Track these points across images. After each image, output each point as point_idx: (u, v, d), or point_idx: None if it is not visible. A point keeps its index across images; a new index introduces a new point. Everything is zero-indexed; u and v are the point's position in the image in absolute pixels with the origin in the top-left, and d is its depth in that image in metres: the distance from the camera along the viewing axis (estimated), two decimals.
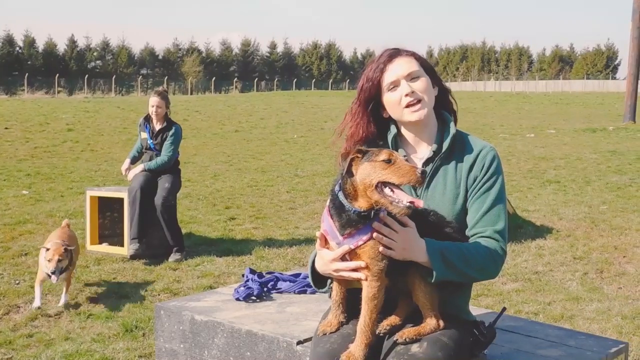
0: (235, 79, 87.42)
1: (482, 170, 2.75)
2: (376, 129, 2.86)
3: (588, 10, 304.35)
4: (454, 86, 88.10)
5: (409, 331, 2.58)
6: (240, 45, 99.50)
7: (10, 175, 14.42)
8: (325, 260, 2.58)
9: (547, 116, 35.30)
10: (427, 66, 2.83)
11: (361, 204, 2.45)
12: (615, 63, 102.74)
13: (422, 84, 2.75)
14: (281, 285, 3.95)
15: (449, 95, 2.91)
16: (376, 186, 2.40)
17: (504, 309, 2.99)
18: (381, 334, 2.63)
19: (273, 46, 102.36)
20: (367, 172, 2.41)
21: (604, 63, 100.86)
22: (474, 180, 2.75)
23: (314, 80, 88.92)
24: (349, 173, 2.45)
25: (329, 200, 2.55)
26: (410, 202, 2.37)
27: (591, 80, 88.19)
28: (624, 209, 10.39)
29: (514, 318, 3.65)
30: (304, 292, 3.90)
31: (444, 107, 2.90)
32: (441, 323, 2.62)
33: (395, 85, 2.75)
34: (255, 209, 10.97)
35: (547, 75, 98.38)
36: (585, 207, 10.61)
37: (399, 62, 2.76)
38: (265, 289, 3.86)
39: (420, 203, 2.40)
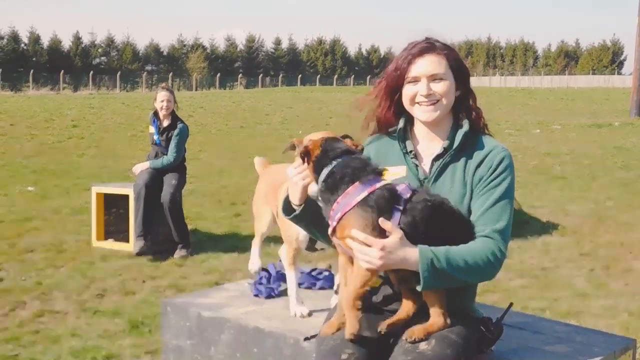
0: (240, 75, 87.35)
1: (489, 170, 2.70)
2: (395, 114, 2.88)
3: (594, 6, 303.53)
4: None
5: (418, 330, 2.55)
6: (245, 41, 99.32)
7: (16, 172, 14.45)
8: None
9: (552, 112, 35.21)
10: (458, 68, 2.78)
11: None
12: (621, 58, 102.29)
13: (443, 87, 2.72)
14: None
15: (470, 99, 2.85)
16: None
17: (511, 304, 2.98)
18: (382, 333, 2.61)
19: (278, 42, 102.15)
20: None
21: (609, 58, 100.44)
22: (480, 180, 2.71)
23: (318, 76, 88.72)
24: None
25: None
26: None
27: (597, 76, 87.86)
28: (630, 205, 10.36)
29: (520, 314, 3.64)
30: (312, 286, 3.90)
31: (462, 107, 2.83)
32: (448, 320, 2.60)
33: (416, 80, 2.73)
34: None
35: (552, 71, 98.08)
36: (592, 203, 10.58)
37: (428, 59, 2.72)
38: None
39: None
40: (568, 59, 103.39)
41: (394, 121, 2.87)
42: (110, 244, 8.12)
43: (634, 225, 9.02)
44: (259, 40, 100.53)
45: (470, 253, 2.57)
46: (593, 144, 19.27)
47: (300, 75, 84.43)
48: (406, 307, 2.68)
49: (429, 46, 2.76)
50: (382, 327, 2.61)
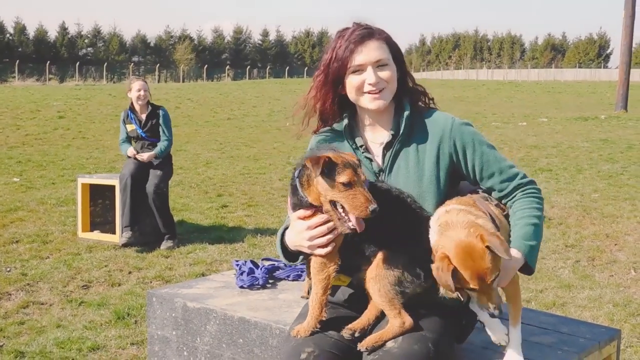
0: (228, 66, 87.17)
1: (461, 147, 2.68)
2: (338, 106, 2.80)
3: None
4: (446, 74, 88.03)
5: (369, 339, 2.45)
6: (233, 32, 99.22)
7: (1, 163, 14.35)
8: (299, 229, 2.52)
9: (539, 105, 35.33)
10: (396, 51, 2.74)
11: (312, 198, 2.46)
12: (608, 52, 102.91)
13: (388, 73, 2.67)
14: (278, 273, 3.93)
15: (408, 81, 2.80)
16: (329, 200, 2.40)
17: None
18: (346, 337, 2.53)
19: (265, 34, 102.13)
20: (325, 187, 2.39)
21: (596, 52, 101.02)
22: (458, 159, 2.68)
23: (306, 68, 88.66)
24: (318, 173, 2.39)
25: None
26: (354, 228, 2.38)
27: (583, 69, 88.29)
28: (615, 197, 10.42)
29: (505, 305, 3.64)
30: (299, 277, 3.88)
31: (402, 90, 2.78)
32: (407, 321, 2.47)
33: (361, 69, 2.66)
34: (247, 196, 10.95)
35: (539, 64, 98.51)
36: (577, 195, 10.63)
37: (370, 46, 2.65)
38: (269, 279, 3.85)
39: (362, 228, 2.38)
40: (555, 52, 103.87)
41: (338, 113, 2.81)
42: (96, 235, 8.08)
43: (619, 217, 9.07)
44: (246, 32, 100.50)
45: (531, 210, 2.62)
46: (579, 137, 19.36)
47: (287, 67, 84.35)
48: (369, 311, 2.59)
49: (368, 32, 2.68)
50: (345, 332, 2.53)
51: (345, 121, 2.79)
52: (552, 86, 57.13)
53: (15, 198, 10.41)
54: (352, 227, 2.37)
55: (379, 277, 2.47)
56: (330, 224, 2.46)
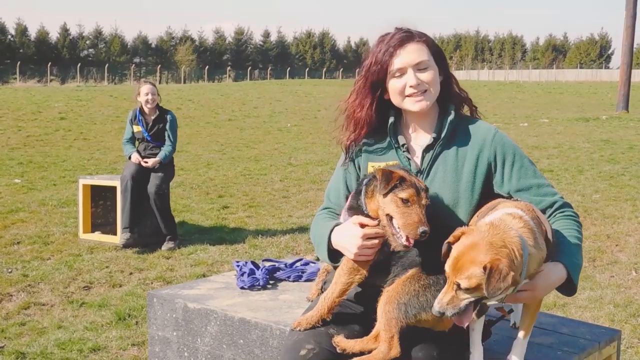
0: (229, 67, 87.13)
1: (501, 156, 2.67)
2: (377, 112, 2.78)
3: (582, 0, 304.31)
4: None
5: None
6: (234, 33, 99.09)
7: (2, 164, 14.36)
8: (354, 234, 2.49)
9: (540, 105, 35.31)
10: (437, 53, 2.73)
11: (370, 208, 2.51)
12: (609, 52, 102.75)
13: (429, 75, 2.66)
14: (278, 274, 3.93)
15: (453, 84, 2.81)
16: (386, 214, 2.44)
17: (511, 311, 2.98)
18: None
19: (266, 35, 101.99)
20: (385, 201, 2.44)
21: (597, 52, 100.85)
22: (496, 168, 2.67)
23: (307, 69, 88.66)
24: (382, 190, 2.44)
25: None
26: (407, 244, 2.40)
27: (584, 70, 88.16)
28: (616, 198, 10.41)
29: (506, 306, 3.64)
30: (299, 278, 3.88)
31: (447, 94, 2.79)
32: (395, 350, 2.39)
33: (402, 72, 2.66)
34: (248, 197, 10.96)
35: (540, 65, 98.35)
36: (578, 196, 10.62)
37: (410, 48, 2.66)
38: (270, 280, 3.85)
39: (410, 246, 2.41)
40: (556, 52, 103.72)
41: (376, 119, 2.78)
42: (97, 237, 8.09)
43: (620, 217, 9.07)
44: (247, 33, 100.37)
45: (573, 231, 2.58)
46: (580, 138, 19.34)
47: (288, 68, 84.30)
48: (367, 340, 2.49)
49: (408, 35, 2.69)
50: (333, 342, 2.50)
51: (392, 119, 2.78)
52: (553, 87, 57.09)
53: (16, 199, 10.42)
54: (404, 244, 2.40)
55: (391, 294, 2.46)
56: (382, 239, 2.48)
